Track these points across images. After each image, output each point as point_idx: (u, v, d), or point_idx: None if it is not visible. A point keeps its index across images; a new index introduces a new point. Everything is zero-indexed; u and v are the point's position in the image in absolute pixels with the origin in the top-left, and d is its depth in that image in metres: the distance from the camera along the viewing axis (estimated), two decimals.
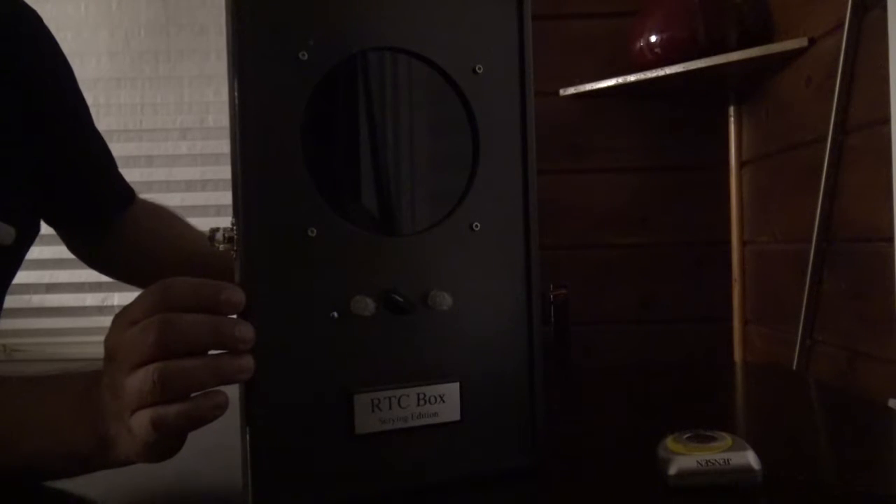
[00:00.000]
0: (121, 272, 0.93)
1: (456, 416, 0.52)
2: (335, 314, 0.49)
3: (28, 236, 0.74)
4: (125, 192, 0.88)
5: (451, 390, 0.52)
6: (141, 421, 0.46)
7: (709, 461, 0.50)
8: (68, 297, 1.75)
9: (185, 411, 0.46)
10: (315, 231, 0.49)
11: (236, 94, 0.47)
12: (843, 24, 1.08)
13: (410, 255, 0.52)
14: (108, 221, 0.86)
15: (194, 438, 0.50)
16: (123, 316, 0.48)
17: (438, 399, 0.52)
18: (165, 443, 0.48)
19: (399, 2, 0.52)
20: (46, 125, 0.75)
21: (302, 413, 0.49)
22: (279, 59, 0.48)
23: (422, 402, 0.51)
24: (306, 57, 0.48)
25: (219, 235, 0.49)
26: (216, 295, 0.46)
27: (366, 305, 0.50)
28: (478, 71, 0.53)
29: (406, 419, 0.51)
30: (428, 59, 0.52)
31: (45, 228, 0.82)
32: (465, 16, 0.53)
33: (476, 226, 0.53)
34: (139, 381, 0.45)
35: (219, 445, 0.55)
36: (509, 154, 0.55)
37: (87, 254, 0.90)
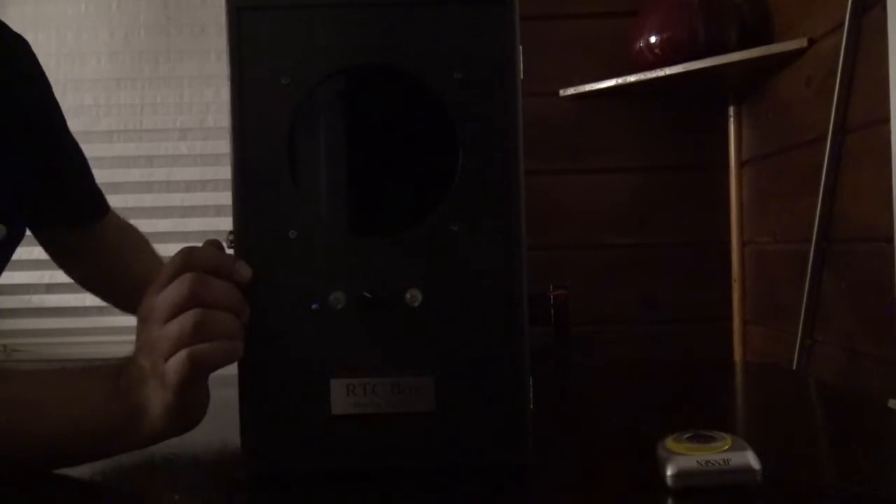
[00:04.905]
0: (84, 278, 0.96)
1: (431, 408, 0.55)
2: (315, 307, 0.55)
3: (16, 236, 0.78)
4: (101, 202, 0.91)
5: (427, 383, 0.55)
6: (176, 360, 0.51)
7: (709, 461, 0.50)
8: (68, 297, 1.75)
9: (217, 346, 0.51)
10: (295, 233, 0.55)
11: (233, 117, 0.55)
12: (842, 24, 1.08)
13: (386, 255, 0.56)
14: (83, 227, 0.89)
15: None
16: (154, 284, 0.53)
17: (413, 390, 0.55)
18: (191, 397, 0.53)
19: (376, 18, 0.56)
20: (29, 129, 0.78)
21: (286, 392, 0.55)
22: (266, 85, 0.56)
23: (396, 391, 0.55)
24: (288, 81, 0.55)
25: (230, 236, 0.57)
26: (233, 265, 0.54)
27: (340, 301, 0.55)
28: (457, 77, 0.55)
29: (380, 405, 0.55)
30: (403, 69, 0.55)
31: None
32: (443, 24, 0.56)
33: (454, 227, 0.56)
34: (178, 324, 0.51)
35: (221, 424, 0.58)
36: (491, 158, 0.56)
37: (59, 258, 0.93)
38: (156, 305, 0.52)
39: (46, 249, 0.92)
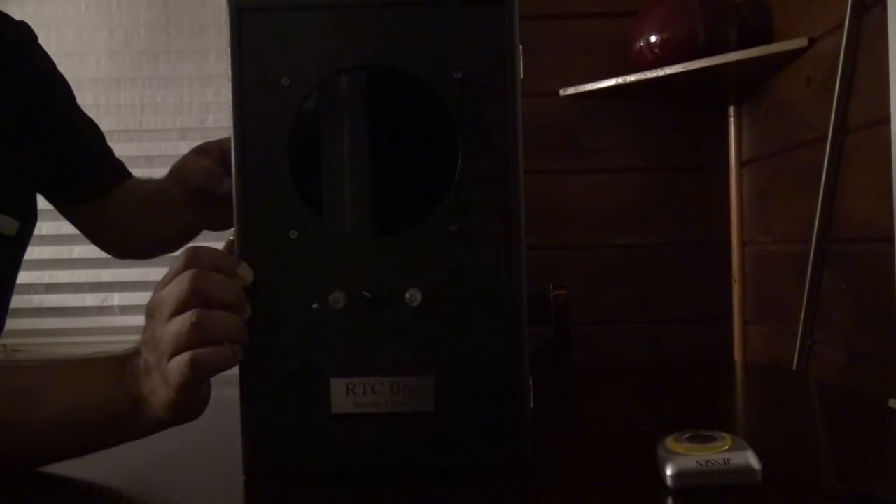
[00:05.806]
0: (113, 238, 0.95)
1: (430, 408, 0.56)
2: (315, 307, 0.56)
3: (28, 225, 0.79)
4: (120, 167, 0.92)
5: (426, 383, 0.56)
6: (178, 362, 0.52)
7: (709, 461, 0.51)
8: (68, 297, 1.75)
9: (218, 351, 0.52)
10: (296, 233, 0.56)
11: (234, 118, 0.56)
12: (843, 24, 1.08)
13: (386, 255, 0.56)
14: (104, 191, 0.89)
15: (192, 426, 0.56)
16: (161, 282, 0.54)
17: (412, 390, 0.56)
18: (194, 394, 0.54)
19: (376, 19, 0.56)
20: (40, 116, 0.81)
21: (287, 392, 0.56)
22: (267, 87, 0.56)
23: (395, 390, 0.55)
24: (288, 83, 0.56)
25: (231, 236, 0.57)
26: (234, 266, 0.55)
27: (340, 300, 0.56)
28: (456, 77, 0.56)
29: (379, 405, 0.55)
30: (402, 69, 0.56)
31: (45, 229, 0.83)
32: (443, 24, 0.56)
33: (454, 227, 0.56)
34: (178, 325, 0.52)
35: (221, 423, 0.58)
36: (491, 158, 0.56)
37: (84, 224, 0.93)
38: (160, 301, 0.54)
39: (72, 223, 0.93)
